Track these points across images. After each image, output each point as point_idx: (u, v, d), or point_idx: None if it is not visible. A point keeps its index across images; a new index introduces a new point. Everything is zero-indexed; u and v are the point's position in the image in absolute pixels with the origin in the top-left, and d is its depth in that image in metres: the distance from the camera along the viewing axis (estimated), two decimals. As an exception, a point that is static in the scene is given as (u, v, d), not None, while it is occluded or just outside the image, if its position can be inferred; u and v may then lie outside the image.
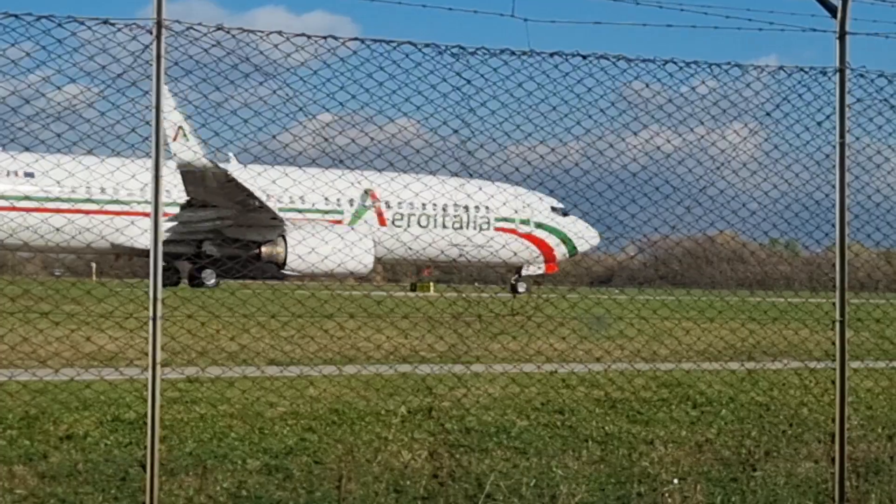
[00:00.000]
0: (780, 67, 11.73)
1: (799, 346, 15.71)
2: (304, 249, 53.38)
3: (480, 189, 43.11)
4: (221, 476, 11.39)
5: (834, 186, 11.22)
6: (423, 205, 58.52)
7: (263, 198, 54.36)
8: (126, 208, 52.31)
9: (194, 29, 9.63)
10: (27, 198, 49.26)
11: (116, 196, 52.03)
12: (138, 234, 50.45)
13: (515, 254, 60.90)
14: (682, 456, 12.79)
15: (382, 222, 59.85)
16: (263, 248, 57.14)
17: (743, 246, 15.11)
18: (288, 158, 11.70)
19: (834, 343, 11.19)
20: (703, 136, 12.37)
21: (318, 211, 57.99)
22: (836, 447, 11.08)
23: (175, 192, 51.07)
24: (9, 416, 14.45)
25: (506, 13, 10.30)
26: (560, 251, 61.71)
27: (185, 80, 9.88)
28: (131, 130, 9.67)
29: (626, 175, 12.19)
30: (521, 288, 59.27)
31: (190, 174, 47.22)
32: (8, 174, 50.98)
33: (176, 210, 54.57)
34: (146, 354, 9.20)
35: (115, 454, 12.97)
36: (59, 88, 10.07)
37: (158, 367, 9.18)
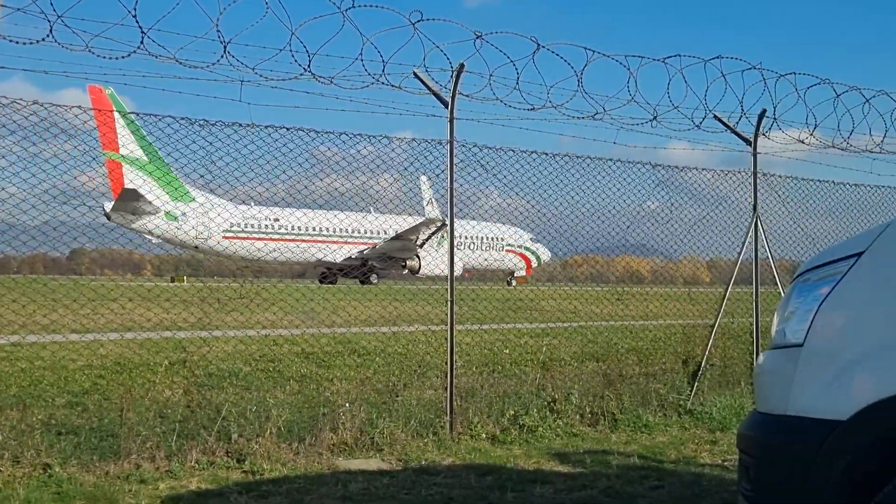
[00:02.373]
0: (414, 139, 11.97)
1: (425, 317, 16.01)
2: (430, 263, 59.13)
3: (499, 228, 54.89)
4: (37, 410, 10.66)
5: (447, 215, 11.52)
6: (473, 237, 63.39)
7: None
8: (312, 238, 57.22)
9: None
10: (277, 233, 53.87)
11: (319, 233, 57.31)
12: (330, 254, 58.89)
13: (514, 264, 70.01)
14: (351, 388, 12.76)
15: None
16: (408, 262, 62.70)
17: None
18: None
19: (447, 314, 11.48)
20: (364, 182, 12.50)
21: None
22: (448, 380, 11.36)
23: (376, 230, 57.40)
24: None
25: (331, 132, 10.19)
26: (533, 262, 68.96)
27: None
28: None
29: (315, 206, 12.18)
30: (513, 283, 64.85)
31: (428, 223, 49.66)
32: (266, 218, 52.37)
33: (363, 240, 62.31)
34: (-19, 328, 8.57)
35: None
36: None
37: (-10, 336, 8.60)
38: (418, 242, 58.12)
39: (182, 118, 10.13)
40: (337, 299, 15.67)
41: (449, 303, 11.39)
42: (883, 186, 16.30)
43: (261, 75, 10.15)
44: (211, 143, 10.41)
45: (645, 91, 12.49)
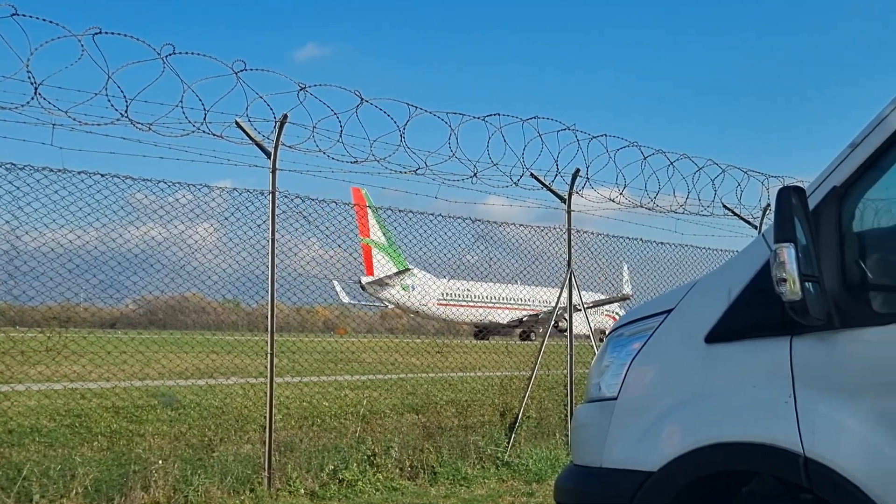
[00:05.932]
0: (235, 188, 11.77)
1: (243, 369, 15.70)
2: (578, 324, 67.73)
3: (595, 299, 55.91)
4: None
5: (268, 266, 11.33)
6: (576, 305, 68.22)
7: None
8: (491, 304, 66.04)
9: None
10: (467, 300, 63.54)
11: (489, 300, 65.52)
12: (498, 317, 66.87)
13: (608, 324, 78.33)
14: (165, 444, 12.34)
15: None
16: (560, 323, 67.04)
17: (206, 303, 15.02)
18: None
19: (266, 366, 11.26)
20: (183, 231, 12.15)
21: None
22: (267, 434, 11.11)
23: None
24: None
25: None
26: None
27: None
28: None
29: (131, 255, 11.73)
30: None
31: (622, 297, 53.37)
32: (461, 289, 61.60)
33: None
34: None
35: None
36: None
37: None
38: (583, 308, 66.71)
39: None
40: (152, 351, 15.10)
41: (269, 355, 11.18)
42: (686, 245, 17.25)
43: (74, 119, 9.77)
44: (18, 188, 9.92)
45: (466, 148, 12.81)
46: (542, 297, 68.82)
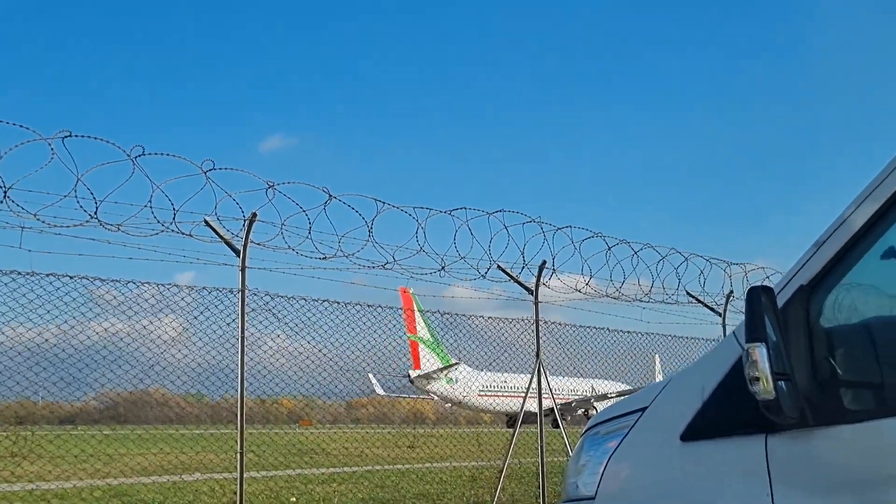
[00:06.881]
0: (205, 287, 11.74)
1: (210, 466, 15.46)
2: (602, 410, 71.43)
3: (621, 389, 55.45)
4: None
5: (237, 363, 11.26)
6: (606, 394, 64.68)
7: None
8: (521, 394, 63.92)
9: None
10: (505, 391, 64.00)
11: (516, 389, 63.67)
12: (532, 406, 66.27)
13: None
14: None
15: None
16: (589, 411, 66.40)
17: (169, 397, 14.93)
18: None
19: (236, 465, 11.09)
20: (146, 326, 12.03)
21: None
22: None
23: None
24: None
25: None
26: None
27: None
28: None
29: (93, 352, 11.58)
30: None
31: (633, 391, 58.10)
32: (498, 381, 62.51)
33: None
34: None
35: None
36: None
37: None
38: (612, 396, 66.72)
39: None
40: (114, 449, 14.85)
41: (239, 454, 11.01)
42: (652, 333, 17.46)
43: (44, 221, 9.83)
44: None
45: (433, 240, 12.98)
46: (571, 387, 74.93)
